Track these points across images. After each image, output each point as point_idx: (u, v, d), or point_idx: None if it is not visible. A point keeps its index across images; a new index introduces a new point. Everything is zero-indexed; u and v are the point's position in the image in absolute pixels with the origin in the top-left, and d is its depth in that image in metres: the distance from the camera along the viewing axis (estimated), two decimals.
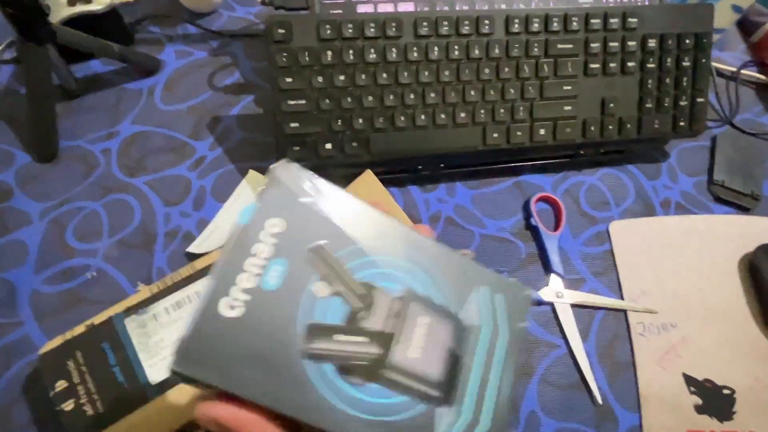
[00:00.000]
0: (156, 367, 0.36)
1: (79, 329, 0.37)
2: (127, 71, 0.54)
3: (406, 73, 0.45)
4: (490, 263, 0.46)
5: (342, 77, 0.44)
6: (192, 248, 0.44)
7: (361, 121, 0.45)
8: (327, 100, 0.44)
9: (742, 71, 0.61)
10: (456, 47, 0.45)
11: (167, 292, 0.39)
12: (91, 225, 0.45)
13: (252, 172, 0.49)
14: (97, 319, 0.37)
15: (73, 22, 0.51)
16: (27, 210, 0.46)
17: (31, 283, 0.42)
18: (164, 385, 0.35)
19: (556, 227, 0.49)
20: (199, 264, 0.40)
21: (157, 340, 0.37)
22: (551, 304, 0.45)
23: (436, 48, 0.45)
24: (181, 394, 0.35)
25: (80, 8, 0.51)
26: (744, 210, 0.52)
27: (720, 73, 0.61)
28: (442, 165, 0.49)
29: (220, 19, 0.59)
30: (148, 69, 0.54)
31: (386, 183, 0.47)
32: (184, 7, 0.59)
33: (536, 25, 0.46)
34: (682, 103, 0.50)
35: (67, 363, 0.35)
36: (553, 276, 0.46)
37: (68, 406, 0.34)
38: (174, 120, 0.52)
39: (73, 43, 0.48)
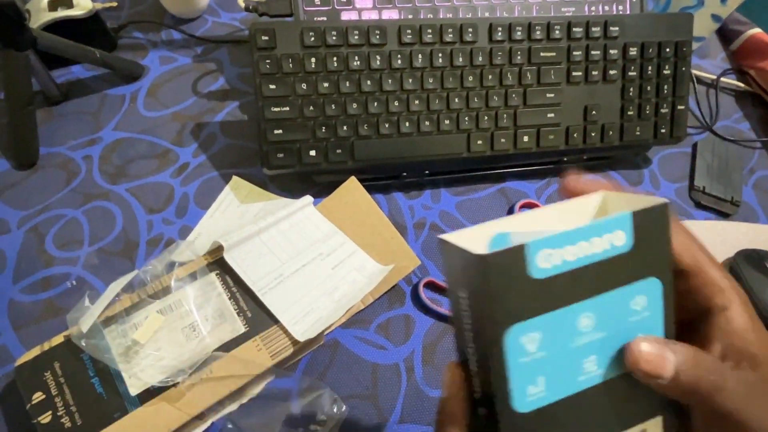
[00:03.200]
0: (136, 378, 0.35)
1: (58, 339, 0.36)
2: (109, 77, 0.54)
3: (390, 81, 0.45)
4: None
5: (326, 84, 0.44)
6: (174, 257, 0.43)
7: (345, 128, 0.45)
8: (311, 107, 0.44)
9: (722, 79, 0.62)
10: (440, 55, 0.45)
11: (149, 301, 0.38)
12: (72, 233, 0.45)
13: (236, 179, 0.48)
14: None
15: (55, 26, 0.50)
16: (5, 218, 0.45)
17: (9, 293, 0.42)
18: (144, 397, 0.35)
19: None
20: (182, 272, 0.40)
21: (137, 351, 0.36)
22: None
23: (420, 55, 0.45)
24: (161, 406, 0.34)
25: (62, 13, 0.50)
26: (724, 216, 0.53)
27: (700, 81, 0.62)
28: (426, 172, 0.49)
29: (204, 25, 0.59)
30: (131, 75, 0.54)
31: (371, 190, 0.47)
32: (168, 12, 0.58)
33: (519, 33, 0.47)
34: (663, 111, 0.51)
35: (44, 374, 0.35)
36: None
37: (45, 418, 0.33)
38: (157, 126, 0.51)
39: (54, 48, 0.48)
